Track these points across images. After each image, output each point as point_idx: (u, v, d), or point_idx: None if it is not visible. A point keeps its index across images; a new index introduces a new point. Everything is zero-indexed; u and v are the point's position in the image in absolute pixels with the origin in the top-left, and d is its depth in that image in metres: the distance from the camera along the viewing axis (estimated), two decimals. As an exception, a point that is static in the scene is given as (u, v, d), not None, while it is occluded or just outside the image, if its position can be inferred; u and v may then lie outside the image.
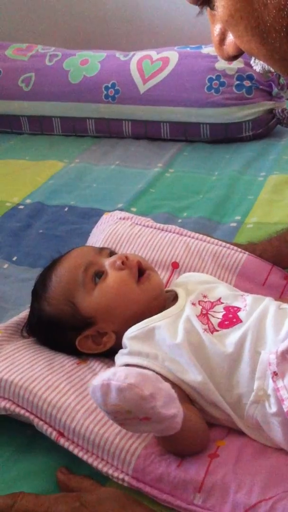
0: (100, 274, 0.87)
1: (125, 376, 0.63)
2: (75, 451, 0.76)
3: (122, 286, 0.86)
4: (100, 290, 0.86)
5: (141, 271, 0.88)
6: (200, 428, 0.75)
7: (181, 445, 0.73)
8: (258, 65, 0.54)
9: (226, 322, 0.81)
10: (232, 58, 0.55)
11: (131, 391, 0.63)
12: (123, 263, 0.87)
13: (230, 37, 0.53)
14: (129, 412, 0.65)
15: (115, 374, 0.64)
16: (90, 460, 0.75)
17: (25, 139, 2.04)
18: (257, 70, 0.55)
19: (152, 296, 0.87)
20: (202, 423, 0.76)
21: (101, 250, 0.93)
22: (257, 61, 0.54)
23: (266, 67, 0.54)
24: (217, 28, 0.53)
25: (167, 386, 0.67)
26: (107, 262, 0.89)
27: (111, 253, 0.93)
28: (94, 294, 0.86)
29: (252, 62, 0.55)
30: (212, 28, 0.54)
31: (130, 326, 0.83)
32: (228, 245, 1.06)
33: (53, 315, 0.87)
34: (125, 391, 0.63)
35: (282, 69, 0.51)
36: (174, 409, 0.66)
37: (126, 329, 0.83)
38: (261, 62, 0.53)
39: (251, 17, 0.47)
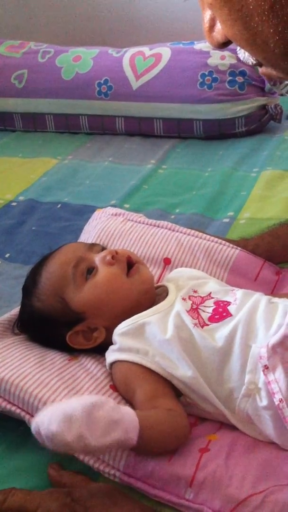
0: (91, 270, 0.87)
1: (48, 422, 0.63)
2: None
3: (113, 281, 0.86)
4: (90, 286, 0.86)
5: (130, 265, 0.88)
6: (173, 428, 0.74)
7: (151, 450, 0.73)
8: (242, 54, 0.55)
9: (216, 316, 0.82)
10: (222, 45, 0.55)
11: (55, 439, 0.63)
12: (113, 257, 0.87)
13: (219, 25, 0.53)
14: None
15: (42, 421, 0.64)
16: (81, 457, 0.75)
17: (18, 136, 2.04)
18: (241, 59, 0.55)
19: (142, 290, 0.87)
20: (177, 421, 0.75)
21: (92, 246, 0.93)
22: (241, 50, 0.54)
23: (246, 58, 0.54)
24: (207, 15, 0.54)
25: (106, 412, 0.65)
26: (97, 258, 0.89)
27: (102, 249, 0.93)
28: (84, 289, 0.86)
29: (237, 50, 0.55)
30: (202, 15, 0.54)
31: (120, 322, 0.83)
32: (220, 240, 1.06)
33: (43, 311, 0.87)
34: (52, 439, 0.63)
35: (263, 55, 0.51)
36: (117, 433, 0.66)
37: (116, 325, 0.84)
38: (243, 52, 0.54)
39: (234, 0, 0.47)
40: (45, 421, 0.64)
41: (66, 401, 0.69)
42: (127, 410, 0.69)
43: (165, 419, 0.74)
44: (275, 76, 0.54)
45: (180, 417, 0.75)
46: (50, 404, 0.73)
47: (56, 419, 0.63)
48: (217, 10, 0.50)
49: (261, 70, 0.56)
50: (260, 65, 0.55)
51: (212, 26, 0.54)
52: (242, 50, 0.54)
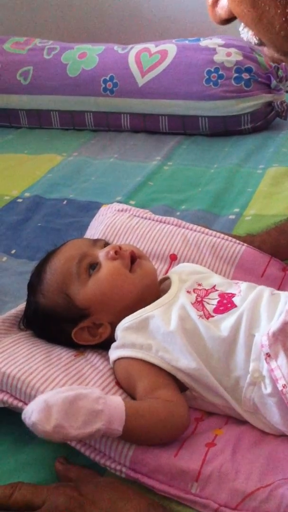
0: (94, 266, 0.87)
1: (30, 412, 0.67)
2: (72, 443, 0.76)
3: (116, 276, 0.86)
4: (94, 281, 0.86)
5: (133, 260, 0.88)
6: (168, 417, 0.74)
7: (143, 439, 0.73)
8: (245, 33, 0.55)
9: (221, 308, 0.82)
10: (224, 21, 0.55)
11: (36, 428, 0.67)
12: (116, 253, 0.87)
13: (223, 1, 0.53)
14: None
15: (27, 410, 0.68)
16: (87, 452, 0.75)
17: (23, 133, 2.04)
18: (244, 38, 0.55)
19: (145, 283, 0.87)
20: (175, 411, 0.74)
21: (95, 241, 0.93)
22: (245, 29, 0.54)
23: (250, 38, 0.54)
24: None
25: (87, 403, 0.68)
26: (101, 253, 0.89)
27: (106, 244, 0.93)
28: (88, 285, 0.86)
29: (240, 29, 0.55)
30: None
31: (125, 316, 0.84)
32: (226, 236, 1.06)
33: (48, 308, 0.87)
34: (33, 427, 0.67)
35: (268, 36, 0.51)
36: (97, 424, 0.68)
37: (121, 320, 0.84)
38: (246, 31, 0.54)
39: None
40: (29, 410, 0.67)
41: (53, 391, 0.71)
42: (113, 400, 0.71)
43: (160, 409, 0.74)
44: (277, 58, 0.55)
45: (179, 407, 0.75)
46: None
47: (36, 409, 0.67)
48: None
49: (265, 51, 0.56)
50: (263, 45, 0.55)
51: (215, 2, 0.54)
52: (246, 30, 0.54)
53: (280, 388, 0.72)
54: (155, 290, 0.88)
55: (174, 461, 0.72)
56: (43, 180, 1.65)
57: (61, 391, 0.69)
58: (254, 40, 0.54)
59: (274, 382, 0.73)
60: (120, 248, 0.89)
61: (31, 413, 0.67)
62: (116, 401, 0.71)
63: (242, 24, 0.55)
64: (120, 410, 0.70)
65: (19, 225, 1.41)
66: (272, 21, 0.48)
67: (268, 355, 0.74)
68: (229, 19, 0.54)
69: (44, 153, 1.84)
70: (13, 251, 1.31)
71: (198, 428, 0.77)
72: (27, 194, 1.57)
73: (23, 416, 0.69)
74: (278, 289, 1.00)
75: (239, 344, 0.77)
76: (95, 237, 1.04)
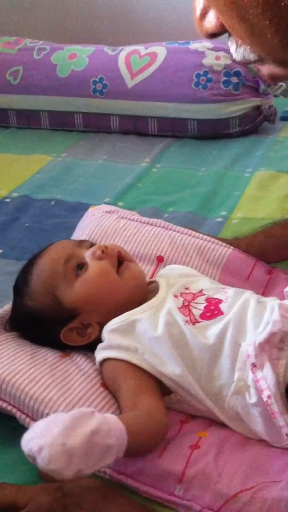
0: (81, 266, 0.87)
1: (48, 459, 0.60)
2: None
3: (103, 275, 0.86)
4: (81, 281, 0.86)
5: (120, 260, 0.88)
6: (153, 430, 0.73)
7: (133, 455, 0.72)
8: (238, 54, 0.54)
9: (208, 314, 0.82)
10: (211, 36, 0.55)
11: (53, 473, 0.61)
12: (102, 252, 0.87)
13: (211, 15, 0.53)
14: None
15: (40, 452, 0.60)
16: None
17: (12, 133, 2.03)
18: (237, 59, 0.55)
19: (133, 285, 0.87)
20: (156, 421, 0.74)
21: (80, 242, 0.93)
22: (238, 50, 0.54)
23: (246, 55, 0.54)
24: (199, 3, 0.54)
25: (101, 439, 0.62)
26: (87, 254, 0.89)
27: (91, 245, 0.92)
28: (76, 286, 0.86)
29: (232, 51, 0.55)
30: (194, 3, 0.54)
31: (113, 317, 0.84)
32: (213, 239, 1.06)
33: (36, 310, 0.87)
34: (49, 472, 0.61)
35: (262, 47, 0.51)
36: (110, 459, 0.64)
37: (109, 320, 0.84)
38: (241, 50, 0.53)
39: None
40: (45, 455, 0.60)
41: (62, 421, 0.63)
42: (118, 428, 0.66)
43: (146, 422, 0.73)
44: (280, 75, 0.54)
45: (160, 415, 0.75)
46: (49, 421, 0.65)
47: (55, 456, 0.60)
48: (213, 1, 0.51)
49: (264, 70, 0.56)
50: (261, 61, 0.54)
51: (203, 15, 0.54)
52: (240, 50, 0.54)
53: (265, 399, 0.73)
54: (143, 292, 0.88)
55: (158, 462, 0.72)
56: (32, 181, 1.65)
57: (69, 425, 0.62)
58: (251, 57, 0.54)
59: (259, 392, 0.74)
60: (106, 247, 0.89)
61: (49, 460, 0.60)
62: (120, 429, 0.66)
63: (234, 45, 0.54)
64: (124, 437, 0.66)
65: (7, 225, 1.41)
66: (263, 32, 0.48)
67: (254, 365, 0.74)
68: (216, 34, 0.54)
69: (33, 153, 1.83)
70: (0, 251, 1.31)
71: (182, 430, 0.78)
72: (15, 194, 1.57)
73: (27, 450, 0.62)
74: (263, 292, 1.01)
75: (224, 352, 0.77)
76: (82, 238, 1.04)
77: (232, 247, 1.05)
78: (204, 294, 0.86)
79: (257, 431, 0.75)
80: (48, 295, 0.86)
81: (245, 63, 0.55)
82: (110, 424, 0.65)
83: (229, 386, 0.76)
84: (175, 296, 0.86)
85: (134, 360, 0.79)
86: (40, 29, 2.46)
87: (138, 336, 0.81)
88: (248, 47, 0.52)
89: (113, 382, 0.80)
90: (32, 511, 0.66)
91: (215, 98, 1.80)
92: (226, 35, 0.55)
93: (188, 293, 0.86)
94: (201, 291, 0.87)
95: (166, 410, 0.77)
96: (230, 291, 0.87)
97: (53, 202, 1.51)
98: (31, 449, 0.61)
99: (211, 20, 0.53)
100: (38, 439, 0.61)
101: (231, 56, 0.55)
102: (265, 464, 0.72)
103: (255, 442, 0.76)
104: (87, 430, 0.62)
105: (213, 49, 1.83)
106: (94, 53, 1.96)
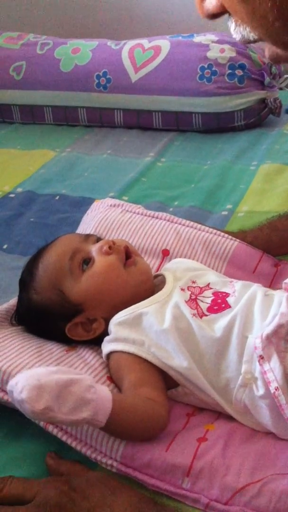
0: (87, 261, 0.87)
1: (21, 389, 0.64)
2: (64, 438, 0.76)
3: (110, 270, 0.86)
4: (88, 277, 0.86)
5: (127, 256, 0.88)
6: (147, 416, 0.73)
7: (121, 434, 0.73)
8: (238, 34, 0.54)
9: (215, 307, 0.82)
10: (212, 16, 0.54)
11: (24, 405, 0.64)
12: (110, 247, 0.87)
13: None
14: None
15: (16, 384, 0.65)
16: (78, 447, 0.75)
17: (16, 128, 2.03)
18: (237, 39, 0.54)
19: (140, 280, 0.87)
20: (154, 411, 0.74)
21: (87, 237, 0.92)
22: (237, 29, 0.53)
23: (246, 35, 0.53)
24: None
25: (78, 390, 0.66)
26: (94, 248, 0.88)
27: (98, 240, 0.92)
28: (82, 280, 0.85)
29: (232, 30, 0.54)
30: None
31: (119, 312, 0.83)
32: (218, 232, 1.06)
33: (41, 304, 0.87)
34: (21, 404, 0.64)
35: (264, 29, 0.50)
36: (85, 413, 0.66)
37: (115, 315, 0.83)
38: (241, 29, 0.53)
39: None
40: (19, 385, 0.64)
41: (44, 369, 0.68)
42: (103, 392, 0.69)
43: (141, 407, 0.74)
44: (282, 56, 0.54)
45: (160, 407, 0.75)
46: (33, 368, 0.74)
47: (28, 386, 0.64)
48: None
49: (266, 51, 0.55)
50: (260, 41, 0.54)
51: None
52: (239, 29, 0.53)
53: (272, 390, 0.72)
54: (150, 286, 0.88)
55: (165, 455, 0.72)
56: (36, 176, 1.65)
57: (53, 371, 0.67)
58: (250, 36, 0.53)
59: (266, 384, 0.73)
60: (113, 243, 0.88)
61: (21, 389, 0.64)
62: (105, 393, 0.70)
63: (234, 24, 0.54)
64: (108, 402, 0.69)
65: (12, 221, 1.41)
66: (265, 14, 0.48)
67: (261, 357, 0.74)
68: (216, 14, 0.54)
69: (37, 148, 1.83)
70: (5, 246, 1.31)
71: (189, 423, 0.77)
72: (19, 190, 1.56)
73: (8, 387, 0.66)
74: (270, 285, 1.01)
75: (232, 345, 0.77)
76: (87, 232, 1.04)
77: (238, 240, 1.04)
78: (211, 288, 0.86)
79: (264, 424, 0.75)
80: (54, 290, 0.86)
81: (244, 42, 0.55)
82: (96, 385, 0.68)
83: (237, 379, 0.76)
84: (182, 289, 0.85)
85: (141, 353, 0.79)
86: (43, 24, 2.46)
87: (145, 329, 0.81)
88: (248, 27, 0.52)
89: (117, 374, 0.80)
90: (39, 504, 0.67)
91: (219, 91, 1.79)
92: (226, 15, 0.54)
93: (195, 287, 0.86)
94: (208, 285, 0.87)
95: (168, 405, 0.77)
96: (238, 284, 0.87)
97: (57, 197, 1.51)
98: (11, 384, 0.65)
99: (212, 1, 0.52)
100: (20, 376, 0.66)
101: (232, 35, 0.55)
102: (273, 456, 0.71)
103: (262, 435, 0.75)
104: (66, 377, 0.66)
105: (218, 42, 1.82)
106: (97, 47, 1.96)
